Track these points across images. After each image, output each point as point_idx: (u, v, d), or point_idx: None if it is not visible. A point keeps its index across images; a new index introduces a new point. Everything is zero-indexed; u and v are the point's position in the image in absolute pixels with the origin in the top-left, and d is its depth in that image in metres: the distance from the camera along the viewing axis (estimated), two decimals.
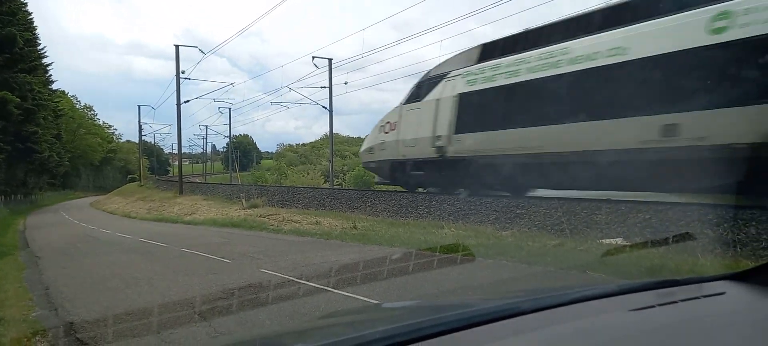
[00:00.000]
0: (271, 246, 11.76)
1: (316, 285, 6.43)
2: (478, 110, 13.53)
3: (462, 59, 14.51)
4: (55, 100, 47.36)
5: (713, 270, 6.24)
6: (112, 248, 13.57)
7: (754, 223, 8.00)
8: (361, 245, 10.86)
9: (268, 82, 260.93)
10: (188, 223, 20.36)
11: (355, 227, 13.14)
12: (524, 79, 12.18)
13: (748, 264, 5.72)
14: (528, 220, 11.47)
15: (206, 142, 74.68)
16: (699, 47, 9.03)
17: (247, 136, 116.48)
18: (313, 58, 30.51)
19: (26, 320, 6.20)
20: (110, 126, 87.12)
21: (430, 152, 14.59)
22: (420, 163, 15.24)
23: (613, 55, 10.38)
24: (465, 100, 13.78)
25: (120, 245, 14.17)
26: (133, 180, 65.59)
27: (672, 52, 9.42)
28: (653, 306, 1.65)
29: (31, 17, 39.77)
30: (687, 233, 7.95)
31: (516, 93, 12.48)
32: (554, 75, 11.46)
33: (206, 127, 73.40)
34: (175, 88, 33.46)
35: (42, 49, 42.35)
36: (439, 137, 14.30)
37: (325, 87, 31.52)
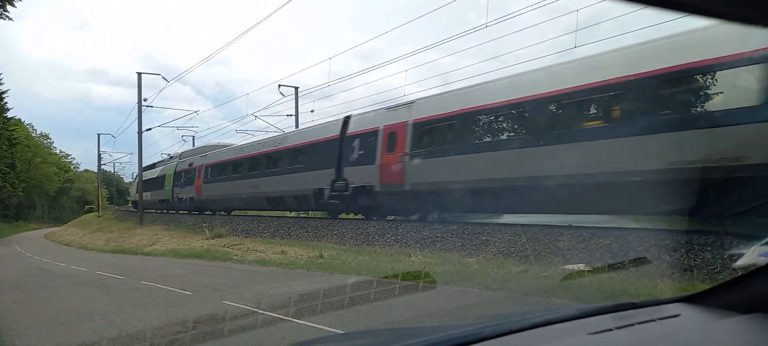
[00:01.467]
0: (235, 277, 11.51)
1: (278, 315, 6.31)
2: (147, 185, 36.98)
3: (149, 167, 39.95)
4: (10, 128, 45.78)
5: (671, 293, 6.38)
6: (67, 282, 13.06)
7: (708, 248, 8.28)
8: (328, 274, 10.72)
9: (233, 109, 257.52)
10: (148, 254, 19.78)
11: (321, 256, 12.99)
12: (156, 176, 37.51)
13: (703, 287, 5.88)
14: (493, 246, 11.57)
15: None
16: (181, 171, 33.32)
17: None
18: (279, 86, 30.63)
19: None
20: (68, 155, 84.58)
21: (135, 197, 38.80)
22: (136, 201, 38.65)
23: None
24: (145, 181, 36.85)
25: (75, 278, 13.65)
26: (90, 210, 63.52)
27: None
28: (611, 329, 1.67)
29: None
30: (643, 257, 8.17)
31: (152, 180, 37.67)
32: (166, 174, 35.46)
33: (169, 155, 72.01)
34: (136, 115, 32.87)
35: None
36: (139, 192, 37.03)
37: (291, 115, 31.48)
